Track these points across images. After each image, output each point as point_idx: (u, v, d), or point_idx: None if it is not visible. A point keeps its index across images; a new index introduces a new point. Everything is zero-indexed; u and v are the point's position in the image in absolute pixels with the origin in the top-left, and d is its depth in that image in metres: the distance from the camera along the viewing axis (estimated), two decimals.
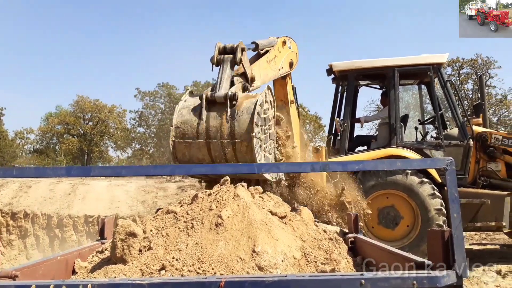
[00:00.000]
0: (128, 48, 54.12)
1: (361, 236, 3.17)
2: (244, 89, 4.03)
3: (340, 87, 7.12)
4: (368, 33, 55.73)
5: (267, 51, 4.88)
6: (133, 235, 2.50)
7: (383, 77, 6.90)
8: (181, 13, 55.79)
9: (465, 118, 6.51)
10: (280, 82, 5.61)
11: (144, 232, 2.65)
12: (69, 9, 52.55)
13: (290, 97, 5.79)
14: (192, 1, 59.21)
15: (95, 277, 2.44)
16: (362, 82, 7.52)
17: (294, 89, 5.99)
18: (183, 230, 2.62)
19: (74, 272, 2.69)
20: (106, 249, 2.88)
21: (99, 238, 3.32)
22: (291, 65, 5.46)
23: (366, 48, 53.81)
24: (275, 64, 4.99)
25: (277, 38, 5.20)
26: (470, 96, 26.28)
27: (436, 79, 6.65)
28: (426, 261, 2.00)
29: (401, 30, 54.59)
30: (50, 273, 2.42)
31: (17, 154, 31.70)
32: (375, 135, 7.78)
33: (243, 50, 4.08)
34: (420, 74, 6.96)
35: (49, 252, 7.01)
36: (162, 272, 2.29)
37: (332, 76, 7.06)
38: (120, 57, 54.45)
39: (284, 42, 5.30)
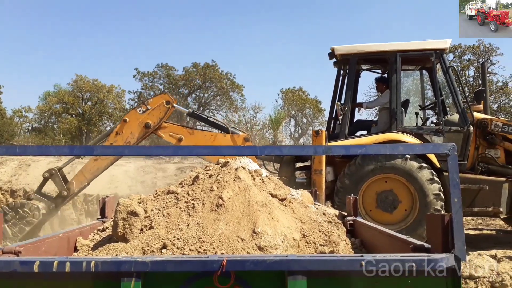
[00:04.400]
0: (127, 27, 53.45)
1: (360, 219, 3.21)
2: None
3: (342, 71, 7.09)
4: (372, 16, 55.10)
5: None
6: (134, 214, 2.52)
7: (385, 62, 6.87)
8: None
9: (466, 104, 6.51)
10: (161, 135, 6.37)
11: (145, 211, 2.66)
12: None
13: (175, 138, 6.26)
14: None
15: (97, 255, 2.47)
16: (363, 67, 7.49)
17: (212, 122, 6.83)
18: (184, 210, 2.64)
19: (75, 249, 2.72)
20: (107, 228, 2.91)
21: (99, 217, 3.35)
22: (147, 126, 6.12)
23: (369, 32, 53.27)
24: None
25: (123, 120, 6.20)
26: (471, 82, 26.16)
27: (438, 65, 6.62)
28: (425, 244, 2.02)
29: (404, 14, 54.09)
30: (53, 250, 2.45)
31: (15, 133, 31.60)
32: (375, 120, 7.78)
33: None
34: (422, 60, 6.93)
35: (49, 229, 7.06)
36: (164, 250, 2.31)
37: (334, 60, 7.01)
38: (118, 36, 53.81)
39: (124, 121, 6.18)
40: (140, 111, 6.14)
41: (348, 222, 3.14)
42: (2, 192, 10.30)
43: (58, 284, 1.77)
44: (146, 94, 30.53)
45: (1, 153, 1.99)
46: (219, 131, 6.50)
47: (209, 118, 7.02)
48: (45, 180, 6.20)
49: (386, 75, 7.15)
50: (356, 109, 7.52)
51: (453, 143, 1.93)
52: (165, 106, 6.15)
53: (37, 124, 33.08)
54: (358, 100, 7.73)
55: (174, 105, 6.25)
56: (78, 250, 2.70)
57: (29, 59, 51.40)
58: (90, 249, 2.66)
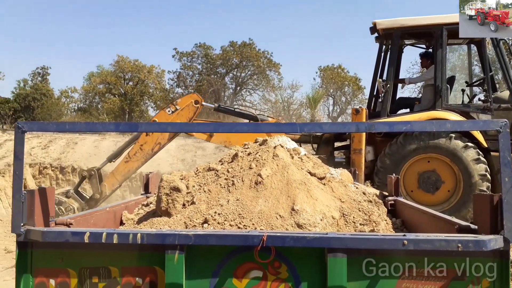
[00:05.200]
0: (165, 7, 53.90)
1: (401, 199, 3.14)
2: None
3: (384, 46, 6.85)
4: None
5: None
6: (177, 189, 2.59)
7: (430, 36, 6.56)
8: None
9: None
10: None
11: (187, 187, 2.73)
12: None
13: (206, 134, 6.34)
14: None
15: (141, 228, 2.57)
16: (407, 41, 7.19)
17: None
18: (224, 187, 2.68)
19: (121, 223, 2.84)
20: (151, 203, 3.01)
21: (143, 192, 3.47)
22: None
23: (411, 6, 50.94)
24: (142, 152, 6.21)
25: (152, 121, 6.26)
26: None
27: (487, 38, 6.25)
28: (472, 225, 1.96)
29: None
30: (100, 223, 2.57)
31: (63, 112, 33.06)
32: (418, 97, 7.50)
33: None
34: None
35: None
36: (205, 225, 2.37)
37: (376, 34, 6.78)
38: (157, 16, 54.43)
39: (154, 122, 6.08)
40: (169, 111, 6.23)
41: (389, 202, 3.09)
42: (52, 168, 10.91)
43: (105, 254, 1.87)
44: (185, 74, 30.86)
45: (51, 130, 2.10)
46: (249, 121, 6.53)
47: (235, 110, 7.07)
48: (83, 179, 6.46)
49: (430, 50, 6.84)
50: (399, 86, 7.28)
51: (505, 119, 1.84)
52: (194, 106, 6.24)
53: (82, 104, 34.40)
54: (400, 77, 7.48)
55: (203, 103, 6.35)
56: (124, 223, 2.82)
57: (74, 40, 53.15)
58: (135, 222, 2.77)
